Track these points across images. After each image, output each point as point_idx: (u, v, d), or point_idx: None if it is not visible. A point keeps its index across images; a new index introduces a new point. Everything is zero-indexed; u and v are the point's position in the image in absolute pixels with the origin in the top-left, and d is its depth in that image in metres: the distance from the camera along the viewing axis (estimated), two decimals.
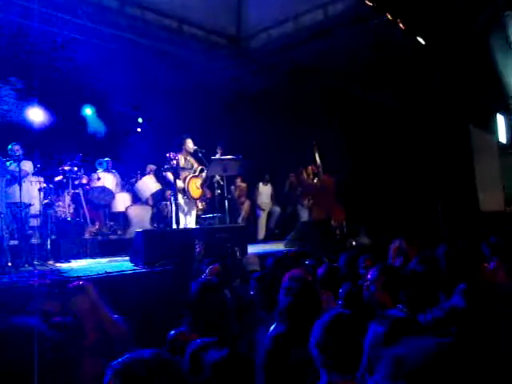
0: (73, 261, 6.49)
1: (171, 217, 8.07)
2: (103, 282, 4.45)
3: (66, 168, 7.56)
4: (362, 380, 1.62)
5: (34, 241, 6.76)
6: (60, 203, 7.39)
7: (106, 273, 4.97)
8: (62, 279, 4.63)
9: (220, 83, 8.71)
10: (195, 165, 7.21)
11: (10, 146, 6.66)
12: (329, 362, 1.89)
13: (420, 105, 10.41)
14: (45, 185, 6.93)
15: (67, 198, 7.53)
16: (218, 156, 7.45)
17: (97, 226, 8.32)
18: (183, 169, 7.01)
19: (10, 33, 6.65)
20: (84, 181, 8.04)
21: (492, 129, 14.59)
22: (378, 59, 8.56)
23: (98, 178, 8.24)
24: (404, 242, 4.58)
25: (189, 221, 7.05)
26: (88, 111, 9.88)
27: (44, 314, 3.04)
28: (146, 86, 8.52)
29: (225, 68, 9.00)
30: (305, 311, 2.55)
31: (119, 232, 8.56)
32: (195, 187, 7.08)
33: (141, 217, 8.46)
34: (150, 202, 8.79)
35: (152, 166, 9.05)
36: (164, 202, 8.62)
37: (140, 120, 10.56)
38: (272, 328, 2.75)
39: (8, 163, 6.35)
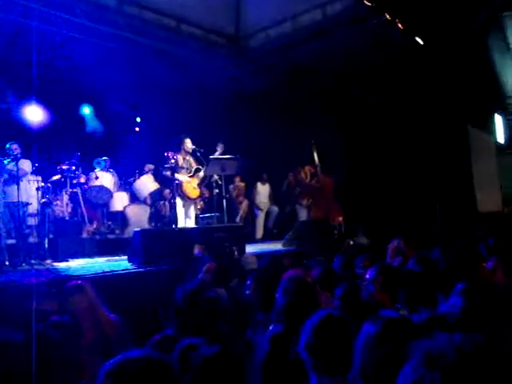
0: (70, 260, 6.48)
1: (169, 216, 8.09)
2: (101, 281, 4.44)
3: (64, 167, 7.56)
4: (354, 382, 1.60)
5: (31, 240, 6.76)
6: (58, 202, 7.39)
7: (103, 272, 4.96)
8: (59, 278, 4.62)
9: (218, 83, 8.71)
10: (193, 164, 7.21)
11: (7, 145, 6.64)
12: (318, 365, 1.86)
13: (418, 105, 10.43)
14: (43, 184, 6.93)
15: (65, 197, 7.53)
16: (217, 153, 7.44)
17: (95, 226, 8.32)
18: (182, 168, 7.01)
19: (8, 32, 6.64)
20: (82, 180, 8.03)
21: (490, 129, 14.64)
22: (377, 59, 8.57)
23: (96, 177, 8.22)
24: (402, 241, 4.60)
25: (187, 220, 7.05)
26: (86, 110, 9.87)
27: (42, 313, 3.04)
28: (145, 85, 8.51)
29: (223, 67, 8.99)
30: (302, 311, 2.55)
31: (117, 231, 8.56)
32: (192, 188, 7.07)
33: (139, 216, 8.46)
34: (148, 202, 8.79)
35: (150, 166, 9.04)
36: (162, 202, 8.62)
37: (138, 119, 10.55)
38: (270, 328, 2.74)
39: (6, 161, 6.33)
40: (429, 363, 0.85)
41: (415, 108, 10.50)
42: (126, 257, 6.12)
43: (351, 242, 7.53)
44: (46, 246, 6.41)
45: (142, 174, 8.88)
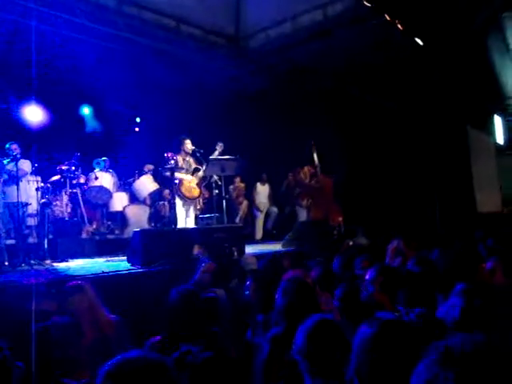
0: (70, 260, 6.47)
1: (169, 216, 8.08)
2: (100, 281, 4.43)
3: (64, 167, 7.55)
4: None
5: (31, 240, 6.75)
6: (57, 202, 7.38)
7: (103, 272, 4.96)
8: (59, 279, 4.62)
9: (218, 83, 8.70)
10: (193, 165, 7.21)
11: (7, 145, 6.63)
12: (313, 369, 1.86)
13: (418, 105, 10.43)
14: (42, 184, 6.92)
15: (65, 198, 7.52)
16: (216, 152, 7.42)
17: (94, 226, 8.32)
18: (181, 169, 7.01)
19: (8, 32, 6.64)
20: (81, 180, 8.03)
21: (489, 130, 14.65)
22: (377, 60, 8.57)
23: (96, 178, 8.22)
24: (402, 242, 4.60)
25: (187, 221, 7.05)
26: (86, 111, 9.87)
27: (41, 313, 3.04)
28: (144, 85, 8.51)
29: (223, 68, 9.00)
30: (302, 312, 2.55)
31: (117, 232, 8.56)
32: (191, 187, 7.07)
33: (138, 216, 8.45)
34: (148, 202, 8.79)
35: (150, 166, 9.04)
36: (161, 202, 8.61)
37: (138, 119, 10.55)
38: (271, 330, 2.75)
39: (5, 161, 6.32)
40: (443, 362, 0.85)
41: (415, 108, 10.51)
42: (125, 257, 6.11)
43: (351, 243, 7.52)
44: (46, 246, 6.41)
45: (141, 174, 8.87)
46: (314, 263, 4.42)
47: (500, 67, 12.24)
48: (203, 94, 8.80)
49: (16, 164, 6.09)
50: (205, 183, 7.46)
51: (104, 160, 8.74)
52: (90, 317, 2.94)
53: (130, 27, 7.48)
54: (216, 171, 7.37)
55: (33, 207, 6.58)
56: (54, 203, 7.28)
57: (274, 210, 10.61)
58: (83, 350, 2.74)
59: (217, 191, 7.63)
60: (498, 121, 15.31)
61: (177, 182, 6.94)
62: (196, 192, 7.13)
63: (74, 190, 7.80)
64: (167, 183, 7.49)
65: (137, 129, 10.54)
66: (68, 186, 7.59)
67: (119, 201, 8.53)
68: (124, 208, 8.49)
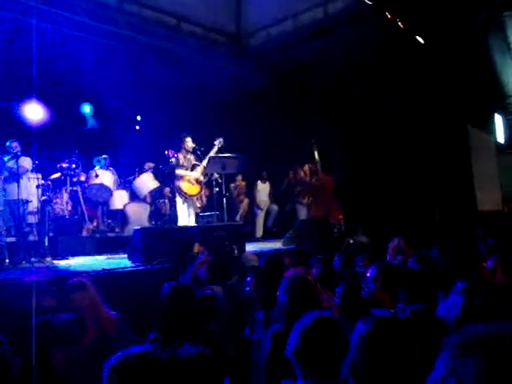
0: (70, 258, 6.48)
1: (169, 214, 8.08)
2: (101, 279, 4.44)
3: (64, 165, 7.56)
4: (346, 382, 1.59)
5: (31, 238, 6.75)
6: (58, 200, 7.39)
7: (103, 270, 4.96)
8: (59, 276, 4.62)
9: (219, 81, 8.69)
10: (194, 163, 7.21)
11: (8, 143, 6.63)
12: (308, 369, 1.84)
13: (418, 104, 10.43)
14: (43, 181, 6.92)
15: (65, 196, 7.52)
16: (215, 148, 7.38)
17: (95, 224, 8.32)
18: (182, 167, 7.01)
19: (8, 29, 6.63)
20: (82, 178, 8.03)
21: (490, 129, 14.65)
22: (377, 58, 8.57)
23: (96, 176, 8.22)
24: (402, 240, 4.60)
25: (188, 218, 7.05)
26: (86, 109, 9.86)
27: (42, 310, 3.04)
28: (145, 83, 8.50)
29: (224, 66, 8.99)
30: (303, 309, 2.55)
31: (117, 229, 8.56)
32: (191, 185, 7.07)
33: (139, 214, 8.46)
34: (148, 200, 8.78)
35: (150, 164, 9.04)
36: (162, 200, 8.62)
37: (138, 118, 10.53)
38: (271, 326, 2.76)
39: (6, 159, 6.32)
40: (458, 355, 0.85)
41: (415, 107, 10.50)
42: (126, 255, 6.12)
43: (351, 241, 7.53)
44: (46, 243, 6.40)
45: (141, 172, 8.87)
46: (315, 261, 4.43)
47: (500, 66, 12.23)
48: (204, 92, 8.80)
49: (17, 161, 6.10)
50: (206, 179, 7.45)
51: (104, 158, 8.74)
52: (91, 313, 2.95)
53: (131, 25, 7.48)
54: (217, 169, 7.37)
55: (33, 205, 6.58)
56: (55, 201, 7.28)
57: (275, 207, 10.61)
58: (85, 346, 2.76)
59: (217, 189, 7.63)
60: (498, 119, 15.31)
61: (177, 179, 6.94)
62: (196, 189, 7.13)
63: (75, 188, 7.81)
64: (168, 181, 7.49)
65: (137, 127, 10.51)
66: (68, 183, 7.59)
67: (119, 199, 8.53)
68: (124, 206, 8.49)
